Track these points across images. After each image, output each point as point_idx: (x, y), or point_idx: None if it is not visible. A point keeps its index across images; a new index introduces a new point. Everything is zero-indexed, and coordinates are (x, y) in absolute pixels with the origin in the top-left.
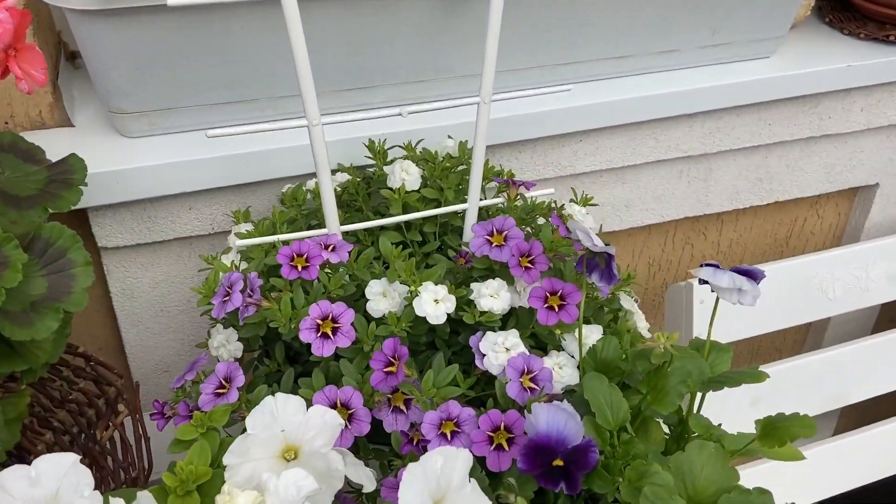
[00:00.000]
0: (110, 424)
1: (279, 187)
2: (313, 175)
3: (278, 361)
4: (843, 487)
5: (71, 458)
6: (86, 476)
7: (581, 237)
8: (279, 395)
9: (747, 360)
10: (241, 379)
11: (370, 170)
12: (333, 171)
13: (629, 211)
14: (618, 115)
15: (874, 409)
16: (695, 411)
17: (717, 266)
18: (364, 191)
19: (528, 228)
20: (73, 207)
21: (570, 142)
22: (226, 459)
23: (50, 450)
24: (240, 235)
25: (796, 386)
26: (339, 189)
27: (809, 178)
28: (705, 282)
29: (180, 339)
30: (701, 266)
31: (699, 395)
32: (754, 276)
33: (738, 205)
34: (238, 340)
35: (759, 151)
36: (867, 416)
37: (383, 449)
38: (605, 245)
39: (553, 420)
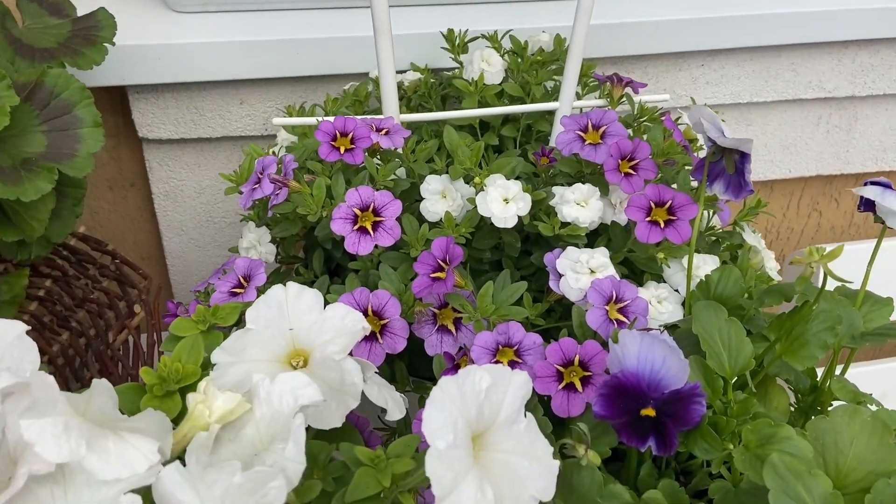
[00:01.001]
0: (125, 327)
1: (341, 85)
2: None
3: (315, 272)
4: None
5: (17, 329)
6: (31, 352)
7: (706, 126)
8: (291, 284)
9: (874, 352)
10: (261, 278)
11: (446, 73)
12: (402, 71)
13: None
14: (751, 35)
15: None
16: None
17: (887, 185)
18: (437, 92)
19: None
20: (95, 66)
21: (691, 64)
22: (214, 356)
23: (64, 351)
24: (287, 129)
25: None
26: (406, 85)
27: None
28: (868, 206)
29: (226, 255)
30: (865, 184)
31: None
32: None
33: (884, 166)
34: (271, 242)
35: None
36: None
37: (425, 383)
38: (739, 140)
39: (647, 354)
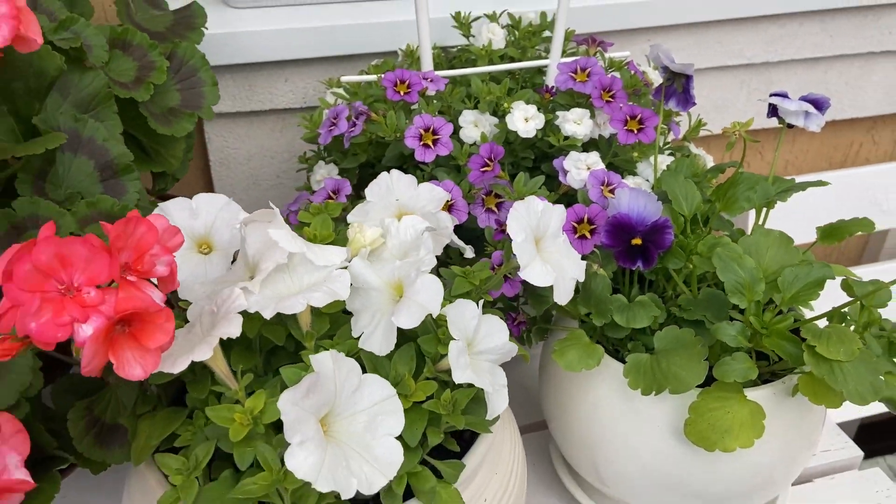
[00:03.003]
0: None
1: (369, 62)
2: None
3: None
4: None
5: (223, 199)
6: (237, 212)
7: (662, 57)
8: (394, 171)
9: None
10: (348, 189)
11: (452, 49)
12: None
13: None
14: (684, 13)
15: None
16: None
17: (785, 94)
18: (446, 64)
19: None
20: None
21: (640, 39)
22: (350, 217)
23: None
24: (336, 93)
25: None
26: None
27: (867, 98)
28: (774, 112)
29: None
30: (770, 95)
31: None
32: (819, 105)
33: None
34: (338, 175)
35: (819, 65)
36: None
37: None
38: (685, 65)
39: (634, 201)
